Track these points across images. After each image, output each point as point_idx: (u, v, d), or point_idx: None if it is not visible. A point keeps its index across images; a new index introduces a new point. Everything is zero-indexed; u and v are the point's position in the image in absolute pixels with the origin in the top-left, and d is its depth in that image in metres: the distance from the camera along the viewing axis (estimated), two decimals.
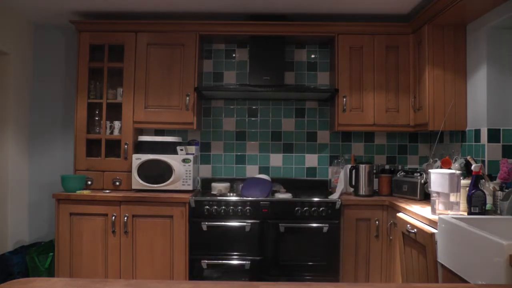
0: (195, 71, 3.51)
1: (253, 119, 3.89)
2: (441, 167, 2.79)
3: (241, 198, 3.22)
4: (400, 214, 2.82)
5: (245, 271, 3.15)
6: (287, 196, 3.32)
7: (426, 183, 2.94)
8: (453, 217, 2.17)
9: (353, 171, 3.42)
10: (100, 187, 3.47)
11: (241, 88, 3.44)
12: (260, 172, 3.82)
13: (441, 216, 2.24)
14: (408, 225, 2.58)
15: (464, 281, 1.95)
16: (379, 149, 3.86)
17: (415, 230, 2.47)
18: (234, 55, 3.90)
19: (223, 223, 3.16)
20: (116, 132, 3.56)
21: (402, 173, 3.41)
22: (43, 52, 3.93)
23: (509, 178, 2.51)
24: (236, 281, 2.34)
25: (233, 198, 3.24)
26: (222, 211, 3.17)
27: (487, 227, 2.03)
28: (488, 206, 2.45)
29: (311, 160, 3.87)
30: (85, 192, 3.30)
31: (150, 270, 3.21)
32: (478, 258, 1.83)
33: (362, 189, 3.40)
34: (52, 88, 3.92)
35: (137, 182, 3.38)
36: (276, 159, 3.87)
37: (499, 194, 2.46)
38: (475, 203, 2.35)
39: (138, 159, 3.39)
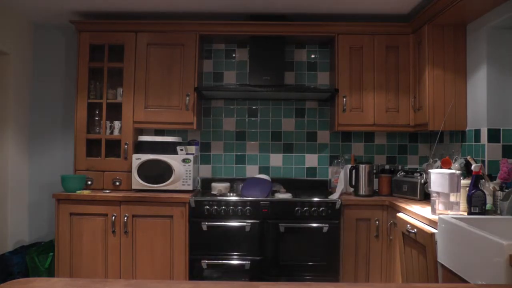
0: (195, 71, 3.51)
1: (253, 119, 3.89)
2: (441, 167, 2.79)
3: (241, 198, 3.22)
4: (400, 214, 2.82)
5: (245, 271, 3.15)
6: (287, 196, 3.32)
7: (426, 183, 2.94)
8: (453, 217, 2.17)
9: (353, 171, 3.42)
10: (100, 187, 3.47)
11: (241, 88, 3.44)
12: (260, 172, 3.82)
13: (441, 216, 2.24)
14: (408, 225, 2.58)
15: (464, 281, 1.95)
16: (379, 149, 3.86)
17: (415, 230, 2.47)
18: (234, 55, 3.90)
19: (223, 223, 3.16)
20: (116, 132, 3.56)
21: (402, 173, 3.41)
22: (43, 52, 3.93)
23: (509, 178, 2.50)
24: (236, 281, 2.35)
25: (233, 198, 3.24)
26: (222, 211, 3.17)
27: (487, 227, 2.03)
28: (488, 206, 2.45)
29: (311, 160, 3.87)
30: (85, 192, 3.30)
31: (150, 270, 3.21)
32: (478, 258, 1.83)
33: (362, 189, 3.40)
34: (52, 88, 3.92)
35: (137, 182, 3.38)
36: (276, 159, 3.87)
37: (499, 194, 2.46)
38: (475, 203, 2.35)
39: (138, 159, 3.39)
